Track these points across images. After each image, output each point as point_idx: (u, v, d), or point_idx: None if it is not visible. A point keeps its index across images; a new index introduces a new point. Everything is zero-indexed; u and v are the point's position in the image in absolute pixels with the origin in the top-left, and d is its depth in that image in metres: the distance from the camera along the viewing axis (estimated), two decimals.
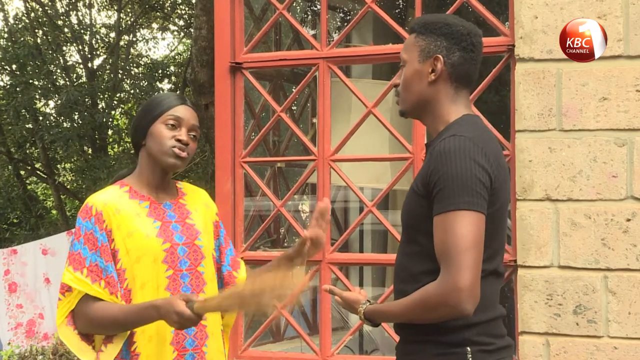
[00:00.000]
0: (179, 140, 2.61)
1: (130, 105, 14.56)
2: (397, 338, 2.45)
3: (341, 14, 8.60)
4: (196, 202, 2.76)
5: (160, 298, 2.49)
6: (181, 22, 15.15)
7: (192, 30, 8.69)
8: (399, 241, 2.48)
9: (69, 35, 14.01)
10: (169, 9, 14.72)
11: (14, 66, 13.43)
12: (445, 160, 2.22)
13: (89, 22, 14.50)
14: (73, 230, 2.95)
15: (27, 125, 13.73)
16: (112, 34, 14.64)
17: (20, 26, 14.34)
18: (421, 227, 2.30)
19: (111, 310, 2.52)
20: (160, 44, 25.12)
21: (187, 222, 2.68)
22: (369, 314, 2.43)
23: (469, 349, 2.27)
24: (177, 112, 2.64)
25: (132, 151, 2.77)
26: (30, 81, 13.08)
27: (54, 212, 15.82)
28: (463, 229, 2.17)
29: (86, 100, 13.19)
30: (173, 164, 2.63)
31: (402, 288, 2.36)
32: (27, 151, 14.74)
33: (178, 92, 14.21)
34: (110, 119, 14.08)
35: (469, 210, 2.19)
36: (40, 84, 13.29)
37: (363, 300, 2.46)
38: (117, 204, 2.61)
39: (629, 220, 3.73)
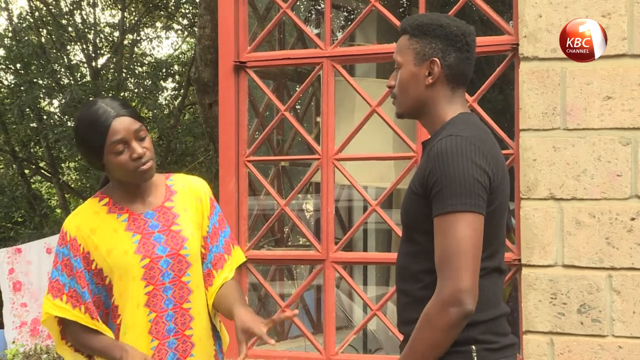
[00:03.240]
0: (136, 158, 2.51)
1: (134, 104, 14.56)
2: (401, 337, 2.44)
3: (345, 13, 8.61)
4: (186, 200, 2.66)
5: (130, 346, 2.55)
6: (185, 21, 15.16)
7: (195, 29, 8.69)
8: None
9: (73, 34, 14.01)
10: (172, 8, 14.71)
11: (18, 65, 13.44)
12: (443, 161, 2.21)
13: (93, 21, 14.50)
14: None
15: (31, 124, 13.74)
16: (116, 33, 14.64)
17: (24, 25, 14.34)
18: (419, 227, 2.30)
19: (92, 341, 2.58)
20: (164, 43, 25.18)
21: (173, 229, 2.60)
22: None
23: (473, 347, 2.26)
24: (117, 133, 2.49)
25: None
26: (35, 80, 13.08)
27: (58, 211, 15.82)
28: (462, 231, 2.17)
29: (90, 99, 13.18)
30: (143, 180, 2.58)
31: (403, 287, 2.36)
32: (32, 150, 14.74)
33: (182, 90, 14.23)
34: None
35: (467, 212, 2.18)
36: (45, 83, 13.29)
37: None
38: (91, 223, 2.58)
39: (633, 219, 3.72)
